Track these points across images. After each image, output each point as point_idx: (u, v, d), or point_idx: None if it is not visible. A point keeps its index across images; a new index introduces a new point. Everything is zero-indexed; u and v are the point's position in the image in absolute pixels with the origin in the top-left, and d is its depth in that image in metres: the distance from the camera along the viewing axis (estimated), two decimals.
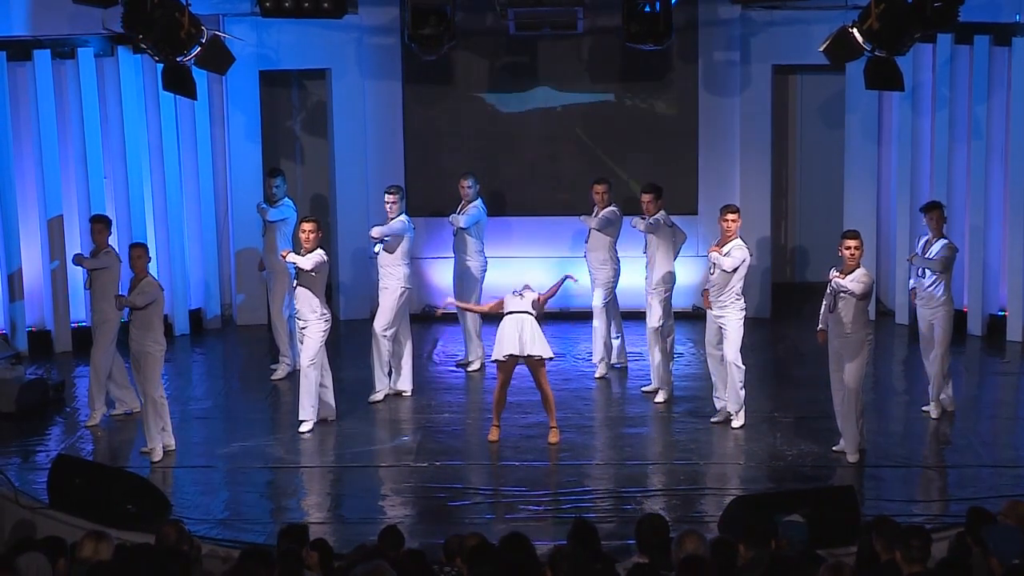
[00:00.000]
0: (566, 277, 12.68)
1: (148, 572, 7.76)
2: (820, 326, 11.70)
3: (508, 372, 12.05)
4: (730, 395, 12.40)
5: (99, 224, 12.96)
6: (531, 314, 11.97)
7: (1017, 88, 14.54)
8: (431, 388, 13.86)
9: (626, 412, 13.05)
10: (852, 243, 11.49)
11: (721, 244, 12.29)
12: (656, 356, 13.14)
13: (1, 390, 13.00)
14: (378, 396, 13.31)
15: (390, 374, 13.44)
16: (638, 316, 13.84)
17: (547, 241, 15.36)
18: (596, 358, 14.06)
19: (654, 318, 13.07)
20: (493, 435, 12.24)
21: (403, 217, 13.35)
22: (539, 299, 12.14)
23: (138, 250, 12.09)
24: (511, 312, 12.01)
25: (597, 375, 13.99)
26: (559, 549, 7.61)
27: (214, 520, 10.79)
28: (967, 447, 12.02)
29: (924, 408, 12.60)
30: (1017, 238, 14.78)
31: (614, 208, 13.66)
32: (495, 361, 12.08)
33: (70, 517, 10.61)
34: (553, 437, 12.17)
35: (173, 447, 12.06)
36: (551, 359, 12.08)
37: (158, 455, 11.88)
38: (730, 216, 12.24)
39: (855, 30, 12.98)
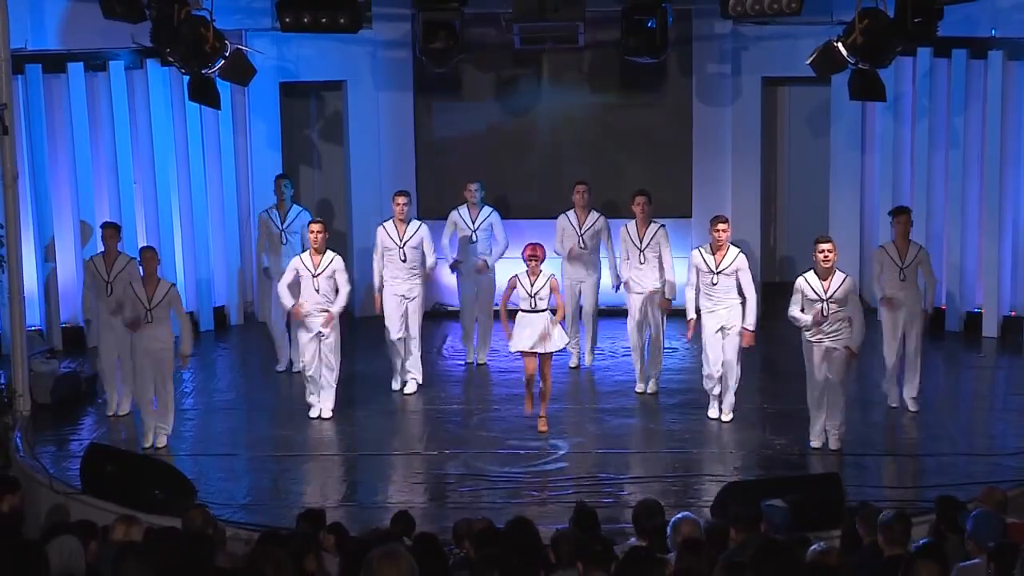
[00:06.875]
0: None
1: (175, 554, 7.78)
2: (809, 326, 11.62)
3: (533, 359, 12.11)
4: (728, 391, 12.41)
5: (111, 230, 12.99)
6: (546, 310, 12.05)
7: (992, 99, 14.53)
8: (441, 380, 13.87)
9: (624, 403, 13.05)
10: (826, 246, 11.46)
11: (714, 251, 12.25)
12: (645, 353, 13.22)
13: (37, 383, 13.02)
14: (396, 387, 13.36)
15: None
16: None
17: (549, 242, 15.26)
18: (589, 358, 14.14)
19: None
20: (529, 408, 12.32)
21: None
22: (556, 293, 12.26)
23: (150, 252, 12.20)
24: (529, 311, 12.08)
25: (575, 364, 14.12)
26: (561, 532, 7.62)
27: (237, 505, 10.84)
28: (945, 436, 12.04)
29: (911, 409, 12.61)
30: (992, 240, 14.77)
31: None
32: (518, 351, 12.18)
33: (101, 502, 10.66)
34: (542, 426, 12.19)
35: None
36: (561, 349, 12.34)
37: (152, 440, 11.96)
38: (721, 226, 12.20)
39: (840, 44, 12.97)
